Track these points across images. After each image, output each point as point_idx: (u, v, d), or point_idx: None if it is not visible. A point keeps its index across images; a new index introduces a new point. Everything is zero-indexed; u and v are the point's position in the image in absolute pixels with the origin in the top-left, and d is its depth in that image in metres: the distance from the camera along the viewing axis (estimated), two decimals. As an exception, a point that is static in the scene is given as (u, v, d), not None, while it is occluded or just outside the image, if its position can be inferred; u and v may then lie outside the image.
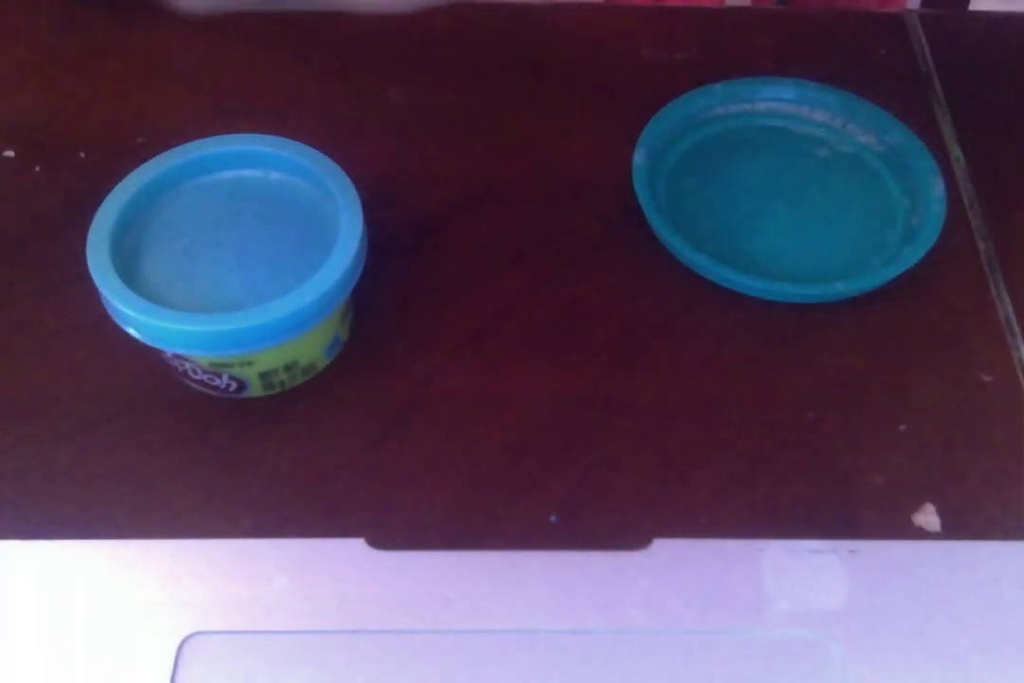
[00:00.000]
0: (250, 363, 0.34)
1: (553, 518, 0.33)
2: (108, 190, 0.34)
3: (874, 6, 0.56)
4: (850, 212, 0.41)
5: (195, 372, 0.34)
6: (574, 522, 0.33)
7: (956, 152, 0.44)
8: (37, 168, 0.42)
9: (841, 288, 0.38)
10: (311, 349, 0.35)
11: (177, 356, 0.33)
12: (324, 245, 0.33)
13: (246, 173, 0.36)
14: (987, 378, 0.37)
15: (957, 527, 0.33)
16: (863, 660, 0.30)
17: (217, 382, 0.34)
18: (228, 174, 0.36)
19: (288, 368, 0.35)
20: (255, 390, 0.35)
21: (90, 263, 0.32)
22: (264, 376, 0.35)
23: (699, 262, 0.38)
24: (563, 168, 0.43)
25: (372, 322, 0.38)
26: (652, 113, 0.42)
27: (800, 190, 0.41)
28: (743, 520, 0.33)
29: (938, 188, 0.40)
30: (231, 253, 0.34)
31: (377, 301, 0.38)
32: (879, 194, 0.41)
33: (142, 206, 0.34)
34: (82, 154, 0.42)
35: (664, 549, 0.32)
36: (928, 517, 0.34)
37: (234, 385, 0.35)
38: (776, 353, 0.37)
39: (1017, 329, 0.38)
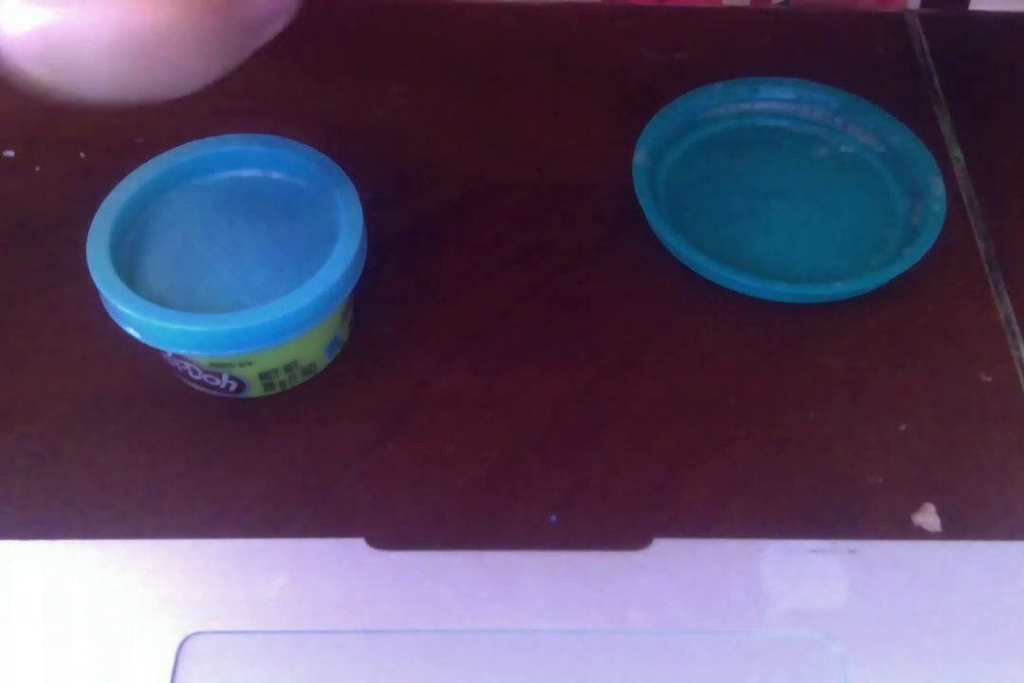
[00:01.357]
0: (250, 363, 0.34)
1: (553, 518, 0.33)
2: (108, 190, 0.34)
3: (874, 6, 0.56)
4: (850, 212, 0.41)
5: (195, 372, 0.34)
6: (574, 522, 0.33)
7: (956, 152, 0.44)
8: (37, 168, 0.42)
9: (841, 288, 0.38)
10: (311, 349, 0.35)
11: (177, 356, 0.33)
12: (324, 245, 0.33)
13: (246, 173, 0.36)
14: (987, 378, 0.37)
15: (957, 527, 0.33)
16: (863, 660, 0.30)
17: (217, 382, 0.34)
18: (228, 174, 0.36)
19: (288, 368, 0.35)
20: (255, 390, 0.35)
21: (90, 263, 0.32)
22: (264, 376, 0.35)
23: (699, 262, 0.38)
24: (563, 168, 0.43)
25: (372, 322, 0.38)
26: (652, 113, 0.42)
27: (800, 190, 0.41)
28: (743, 520, 0.33)
29: (938, 188, 0.40)
30: (231, 253, 0.34)
31: (377, 301, 0.38)
32: (879, 194, 0.41)
33: (142, 206, 0.34)
34: (82, 154, 0.42)
35: (664, 549, 0.32)
36: (928, 517, 0.34)
37: (234, 385, 0.35)
38: (776, 353, 0.37)
39: (1017, 329, 0.38)
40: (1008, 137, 0.44)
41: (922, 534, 0.33)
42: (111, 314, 0.33)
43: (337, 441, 0.35)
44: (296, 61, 0.46)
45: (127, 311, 0.31)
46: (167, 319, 0.31)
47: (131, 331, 0.32)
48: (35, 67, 0.23)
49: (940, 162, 0.41)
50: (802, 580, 0.32)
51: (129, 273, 0.33)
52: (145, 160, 0.35)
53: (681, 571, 0.32)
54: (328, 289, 0.32)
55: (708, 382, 0.37)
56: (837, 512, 0.34)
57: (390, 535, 0.33)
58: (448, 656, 0.30)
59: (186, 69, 0.23)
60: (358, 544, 0.32)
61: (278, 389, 0.36)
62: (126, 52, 0.22)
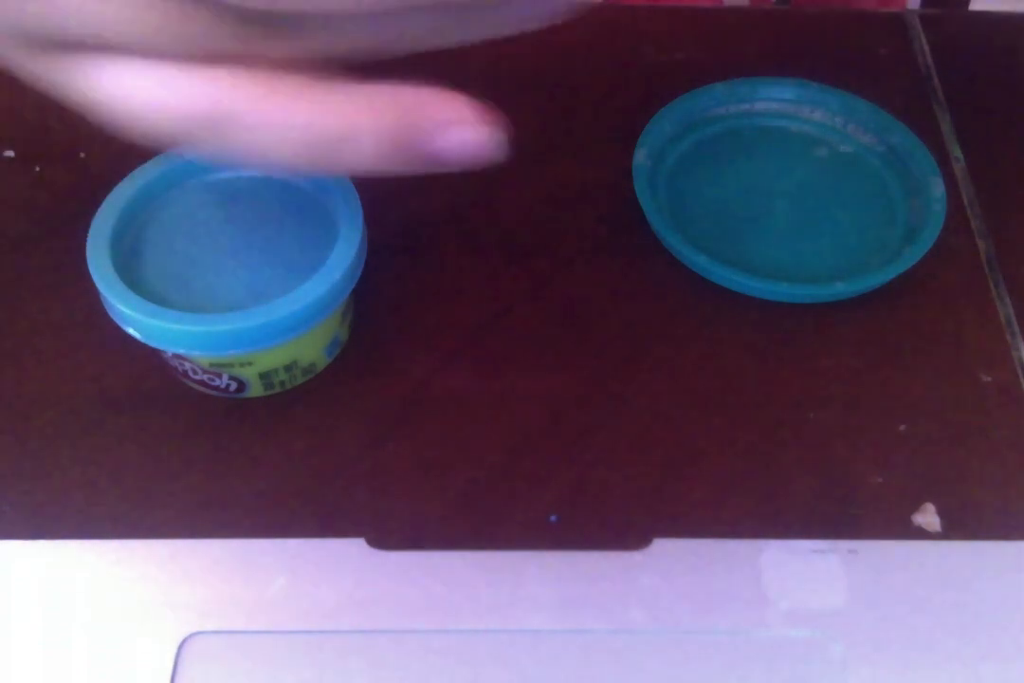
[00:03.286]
0: (250, 363, 0.34)
1: (553, 518, 0.33)
2: (108, 190, 0.34)
3: (874, 6, 0.56)
4: (850, 212, 0.41)
5: (195, 372, 0.34)
6: (574, 522, 0.33)
7: (956, 152, 0.44)
8: (37, 168, 0.42)
9: (841, 288, 0.38)
10: (311, 349, 0.35)
11: (177, 356, 0.33)
12: (324, 245, 0.33)
13: (246, 173, 0.36)
14: (987, 378, 0.37)
15: (957, 527, 0.33)
16: (863, 660, 0.30)
17: (217, 382, 0.34)
18: (228, 174, 0.36)
19: (288, 368, 0.35)
20: (255, 390, 0.35)
21: (90, 263, 0.32)
22: (264, 376, 0.35)
23: (699, 262, 0.38)
24: (563, 168, 0.43)
25: (372, 322, 0.38)
26: (652, 113, 0.42)
27: (800, 190, 0.41)
28: (743, 520, 0.33)
29: (938, 188, 0.40)
30: (231, 253, 0.34)
31: (377, 301, 0.38)
32: (879, 194, 0.41)
33: (142, 206, 0.34)
34: (82, 154, 0.42)
35: (664, 549, 0.32)
36: (928, 517, 0.34)
37: (234, 385, 0.35)
38: (776, 353, 0.37)
39: (1017, 329, 0.38)
40: (1008, 137, 0.44)
41: (922, 534, 0.33)
42: (111, 314, 0.33)
43: (337, 441, 0.35)
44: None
45: (127, 311, 0.31)
46: (167, 319, 0.31)
47: (131, 331, 0.32)
48: (201, 136, 0.23)
49: (940, 162, 0.41)
50: (802, 580, 0.32)
51: (129, 273, 0.33)
52: (145, 160, 0.35)
53: (681, 571, 0.32)
54: (328, 289, 0.32)
55: (708, 382, 0.37)
56: (837, 512, 0.34)
57: (390, 535, 0.33)
58: (448, 656, 0.30)
59: (350, 163, 0.24)
60: (358, 544, 0.32)
61: (278, 389, 0.36)
62: (300, 145, 0.22)
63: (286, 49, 0.22)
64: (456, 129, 0.24)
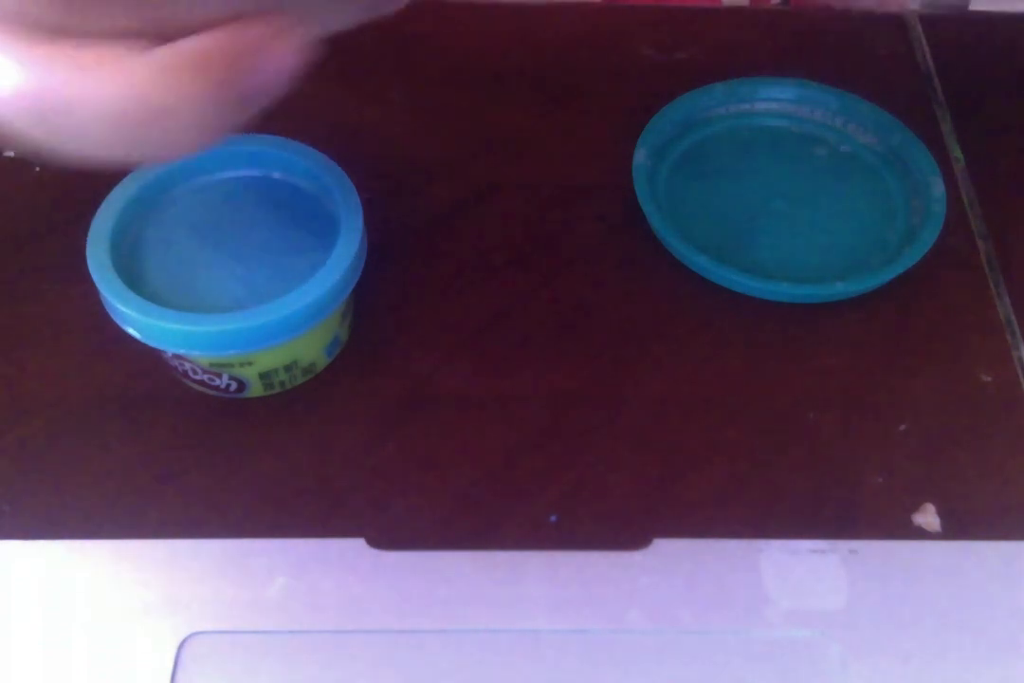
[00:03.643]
0: (250, 363, 0.34)
1: (553, 518, 0.33)
2: (108, 190, 0.34)
3: (874, 6, 0.55)
4: (850, 212, 0.41)
5: (195, 372, 0.34)
6: (574, 522, 0.33)
7: (956, 152, 0.44)
8: (37, 168, 0.42)
9: (841, 288, 0.38)
10: (311, 349, 0.35)
11: (177, 356, 0.33)
12: (324, 245, 0.33)
13: (246, 173, 0.36)
14: (987, 378, 0.37)
15: (957, 527, 0.33)
16: (863, 660, 0.30)
17: (217, 382, 0.34)
18: (228, 174, 0.36)
19: (288, 368, 0.35)
20: (255, 390, 0.35)
21: (90, 263, 0.32)
22: (264, 376, 0.35)
23: (699, 262, 0.38)
24: (563, 168, 0.43)
25: (372, 322, 0.38)
26: (652, 113, 0.42)
27: (800, 190, 0.41)
28: (743, 520, 0.33)
29: (938, 188, 0.40)
30: (231, 253, 0.34)
31: (377, 301, 0.38)
32: (879, 194, 0.41)
33: (142, 206, 0.34)
34: (82, 154, 0.42)
35: (664, 549, 0.32)
36: (928, 517, 0.34)
37: (234, 385, 0.35)
38: (776, 353, 0.37)
39: (1017, 329, 0.38)
40: (1008, 137, 0.44)
41: (922, 534, 0.33)
42: (111, 314, 0.33)
43: (337, 441, 0.35)
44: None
45: (127, 311, 0.31)
46: (167, 319, 0.31)
47: (131, 331, 0.32)
48: (27, 127, 0.22)
49: (940, 162, 0.41)
50: (802, 580, 0.32)
51: (129, 273, 0.33)
52: (145, 160, 0.35)
53: (681, 571, 0.32)
54: (328, 289, 0.32)
55: (708, 382, 0.37)
56: (837, 512, 0.34)
57: (390, 535, 0.33)
58: (448, 656, 0.30)
59: (183, 138, 0.22)
60: (358, 544, 0.32)
61: (278, 389, 0.36)
62: (127, 122, 0.21)
63: (126, 20, 0.20)
64: (269, 55, 0.21)
